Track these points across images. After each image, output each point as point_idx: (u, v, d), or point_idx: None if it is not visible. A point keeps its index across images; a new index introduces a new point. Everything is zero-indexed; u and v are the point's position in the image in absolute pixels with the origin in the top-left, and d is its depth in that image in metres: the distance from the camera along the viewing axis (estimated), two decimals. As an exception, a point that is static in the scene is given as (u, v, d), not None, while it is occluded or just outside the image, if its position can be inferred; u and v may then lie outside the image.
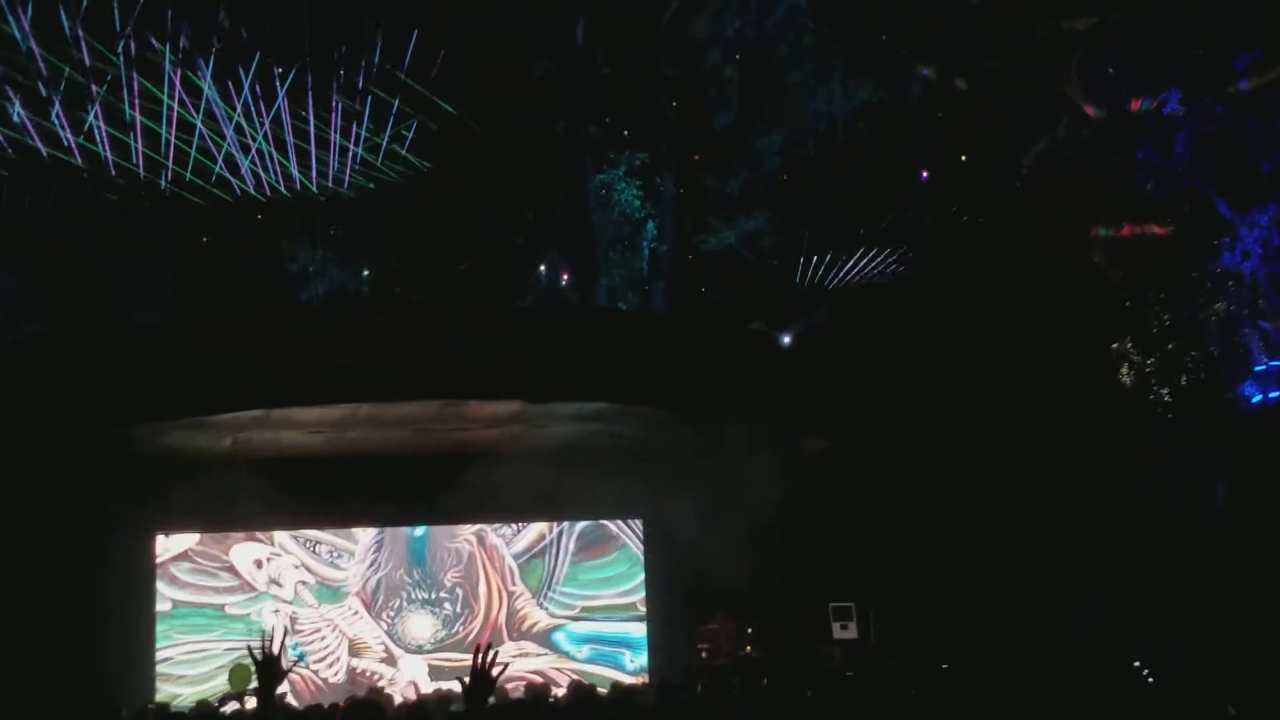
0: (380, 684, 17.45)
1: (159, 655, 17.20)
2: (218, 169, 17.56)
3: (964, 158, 20.07)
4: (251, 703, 9.86)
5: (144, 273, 17.04)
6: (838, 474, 16.56)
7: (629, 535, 18.71)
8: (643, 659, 18.25)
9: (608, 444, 17.17)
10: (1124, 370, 17.42)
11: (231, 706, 9.93)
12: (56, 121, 16.45)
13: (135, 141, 16.87)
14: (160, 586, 17.45)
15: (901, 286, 19.98)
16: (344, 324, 16.76)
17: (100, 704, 12.29)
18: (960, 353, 17.25)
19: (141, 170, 17.19)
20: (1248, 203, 17.21)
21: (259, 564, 17.94)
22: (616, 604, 18.71)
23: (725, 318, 21.03)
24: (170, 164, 17.22)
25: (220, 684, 16.62)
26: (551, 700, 10.75)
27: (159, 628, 17.29)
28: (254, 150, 17.52)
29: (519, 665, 17.49)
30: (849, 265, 19.98)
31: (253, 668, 8.99)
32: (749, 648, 16.98)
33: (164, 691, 16.69)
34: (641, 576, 18.69)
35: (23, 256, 17.09)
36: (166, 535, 17.52)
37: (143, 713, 11.20)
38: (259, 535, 17.88)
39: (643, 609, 18.66)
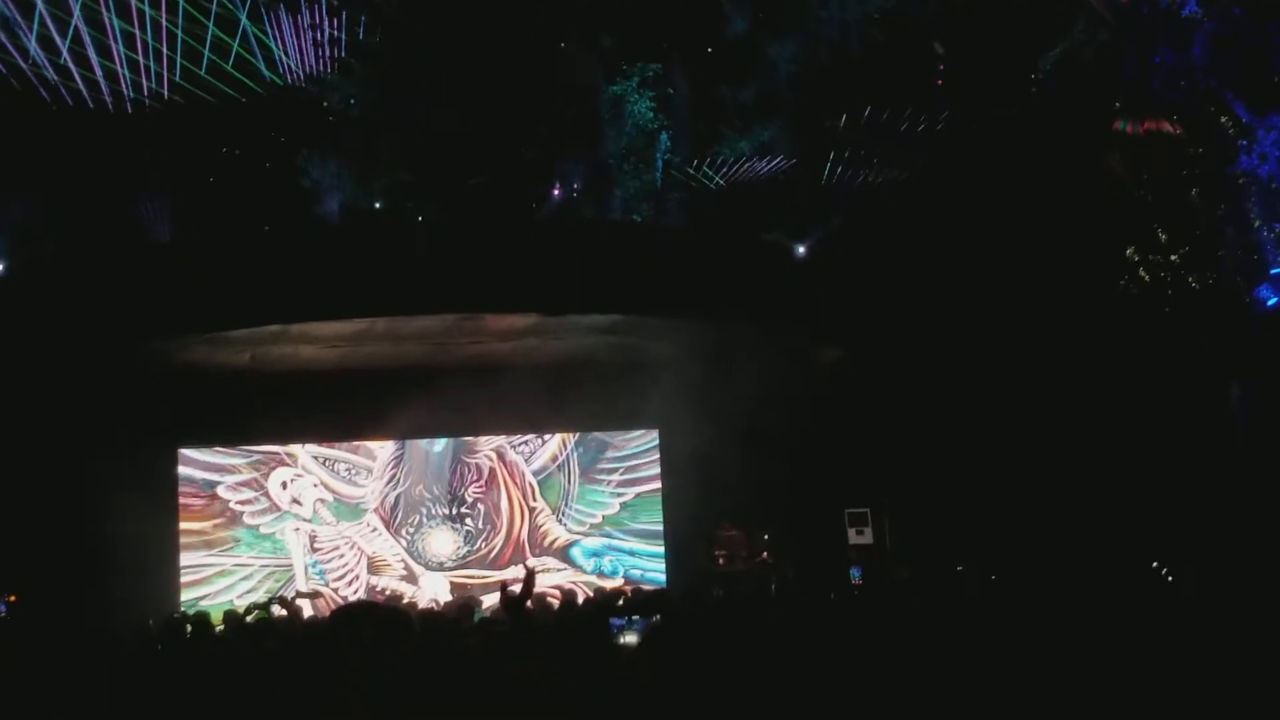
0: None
1: (182, 566, 17.48)
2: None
3: (981, 63, 19.86)
4: (276, 612, 10.02)
5: (158, 192, 17.02)
6: (852, 382, 16.59)
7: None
8: (660, 568, 18.39)
9: (623, 356, 17.24)
10: (1140, 274, 17.34)
11: (256, 616, 10.08)
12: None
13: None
14: (186, 501, 17.69)
15: (917, 194, 19.88)
16: (359, 238, 16.81)
17: (128, 614, 12.46)
18: (977, 259, 17.19)
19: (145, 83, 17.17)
20: (1266, 106, 17.04)
21: (283, 484, 18.12)
22: (634, 515, 18.89)
23: (739, 229, 20.97)
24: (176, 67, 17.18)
25: (242, 598, 16.89)
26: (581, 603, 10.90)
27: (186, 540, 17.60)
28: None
29: (541, 581, 17.69)
30: (864, 174, 19.86)
31: (242, 612, 9.15)
32: (765, 554, 17.14)
33: (188, 602, 16.94)
34: (658, 485, 18.85)
35: (36, 180, 17.07)
36: (188, 449, 17.76)
37: (169, 621, 11.38)
38: (279, 452, 18.06)
39: (659, 519, 18.81)
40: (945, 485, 16.62)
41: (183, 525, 17.66)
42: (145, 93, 17.29)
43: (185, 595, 17.17)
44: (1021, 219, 17.24)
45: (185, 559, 17.56)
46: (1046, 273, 16.78)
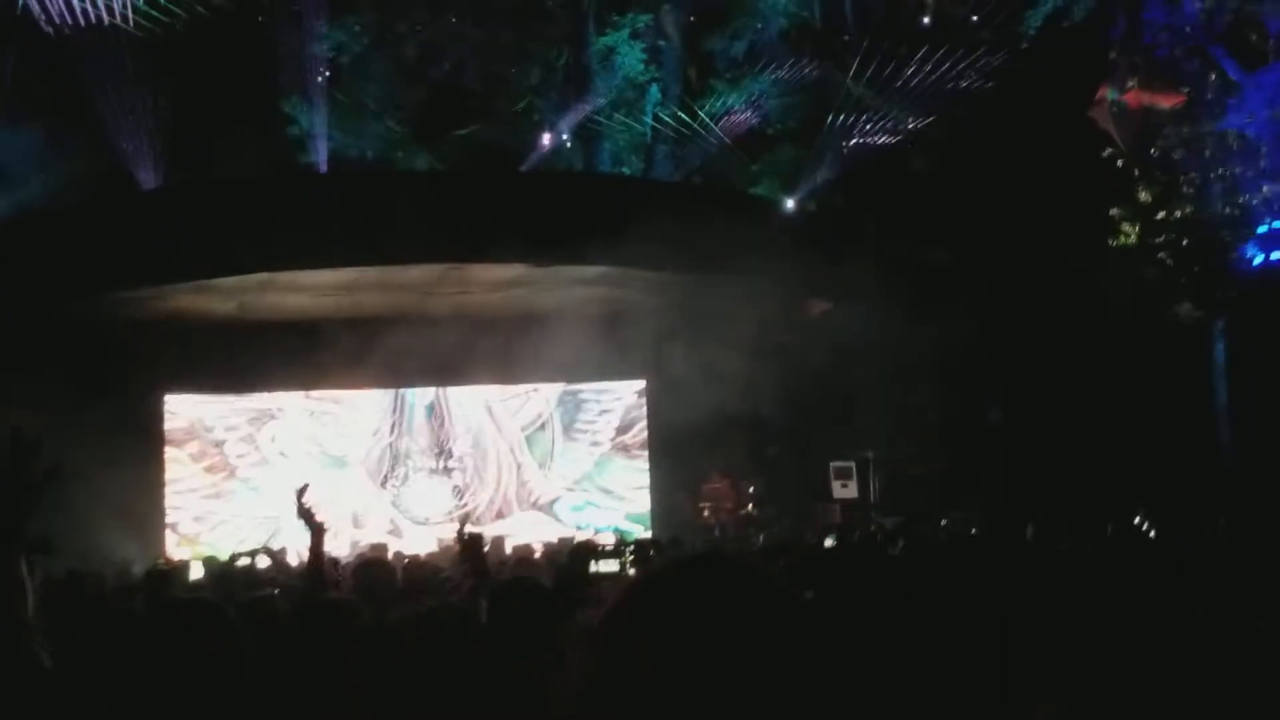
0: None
1: (168, 516, 17.49)
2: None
3: (972, 18, 19.83)
4: (261, 562, 10.03)
5: (142, 135, 16.99)
6: (839, 335, 16.63)
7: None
8: (646, 522, 18.40)
9: (610, 307, 17.24)
10: (1126, 230, 17.38)
11: (243, 563, 10.10)
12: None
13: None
14: (173, 451, 17.72)
15: (905, 147, 19.90)
16: (348, 188, 16.80)
17: (113, 561, 12.49)
18: (965, 212, 17.22)
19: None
20: (1255, 63, 17.04)
21: (272, 437, 18.10)
22: (617, 469, 18.96)
23: (727, 182, 20.99)
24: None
25: (225, 547, 16.92)
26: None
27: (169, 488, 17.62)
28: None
29: (527, 536, 17.63)
30: (854, 127, 19.86)
31: (229, 560, 9.10)
32: (750, 506, 17.22)
33: (173, 550, 16.93)
34: (644, 438, 18.92)
35: (32, 117, 17.03)
36: (175, 396, 17.77)
37: (154, 569, 11.39)
38: (264, 402, 18.06)
39: (646, 472, 18.87)
40: (930, 437, 16.71)
41: (173, 475, 17.68)
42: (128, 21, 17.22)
43: (176, 546, 17.14)
44: (1009, 174, 17.25)
45: (176, 510, 17.58)
46: (1034, 228, 16.81)
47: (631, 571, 4.02)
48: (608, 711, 1.62)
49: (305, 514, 5.33)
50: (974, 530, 11.41)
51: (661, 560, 1.81)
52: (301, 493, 5.37)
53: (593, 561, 3.97)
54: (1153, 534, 10.18)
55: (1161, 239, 17.40)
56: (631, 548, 4.11)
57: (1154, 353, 16.32)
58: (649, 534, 17.82)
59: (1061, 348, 16.54)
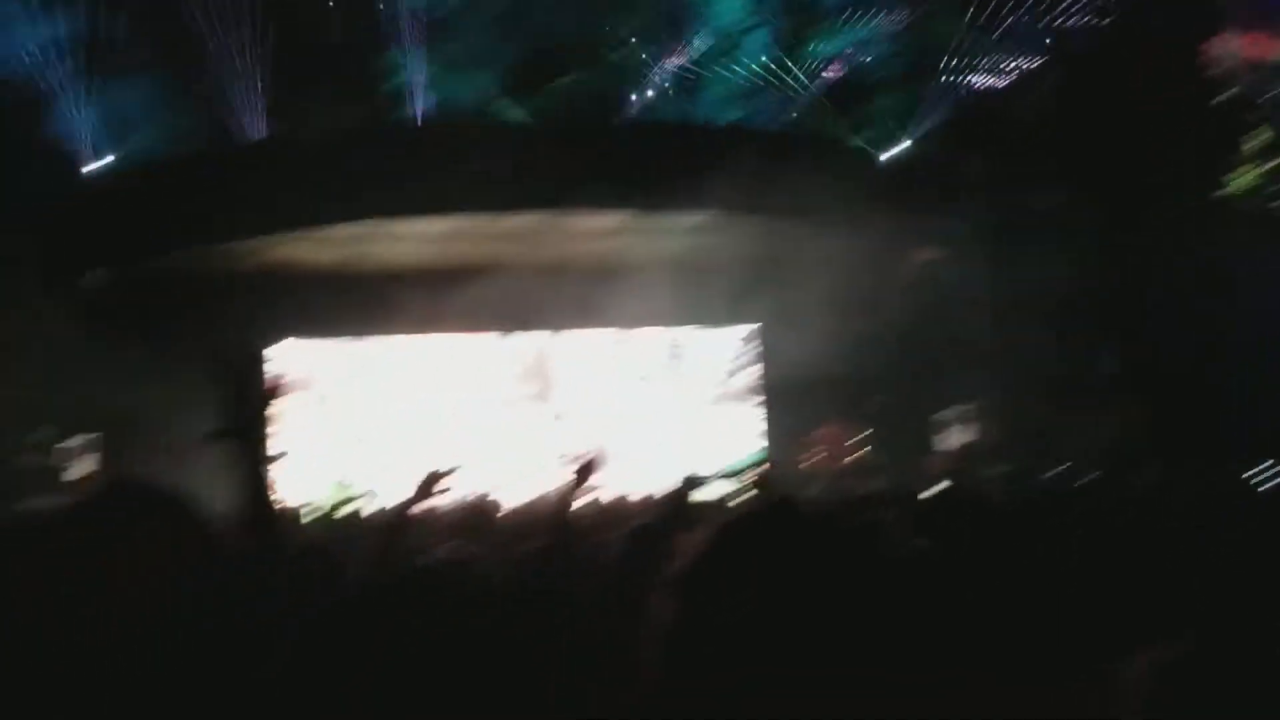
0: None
1: (277, 464, 17.72)
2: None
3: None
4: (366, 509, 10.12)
5: (247, 88, 17.15)
6: (945, 283, 16.41)
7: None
8: (759, 467, 18.39)
9: (715, 255, 17.16)
10: (1243, 174, 16.93)
11: (348, 510, 10.20)
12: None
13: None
14: (282, 401, 17.94)
15: (1011, 92, 19.52)
16: (448, 139, 16.83)
17: (224, 509, 12.64)
18: (1073, 158, 16.86)
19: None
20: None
21: (377, 385, 18.28)
22: (721, 418, 18.90)
23: (828, 130, 20.74)
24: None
25: (332, 495, 17.12)
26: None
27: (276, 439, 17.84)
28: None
29: (636, 482, 17.71)
30: (957, 72, 19.53)
31: (335, 507, 9.15)
32: (862, 452, 17.12)
33: (282, 498, 17.14)
34: (753, 385, 18.87)
35: (139, 70, 17.25)
36: (280, 346, 18.01)
37: (263, 516, 11.55)
38: (370, 351, 18.24)
39: (756, 419, 18.83)
40: (1041, 387, 16.44)
41: (284, 424, 17.91)
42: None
43: (285, 494, 17.34)
44: (1119, 117, 16.84)
45: (286, 458, 17.79)
46: (1146, 173, 16.41)
47: (741, 500, 3.98)
48: (691, 660, 1.59)
49: (424, 490, 5.23)
50: (1086, 479, 11.19)
51: (742, 509, 1.78)
52: (432, 480, 5.25)
53: (699, 490, 3.92)
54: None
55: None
56: (739, 476, 4.05)
57: (1271, 299, 15.89)
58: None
59: (1175, 294, 16.16)
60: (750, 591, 1.56)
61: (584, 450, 5.03)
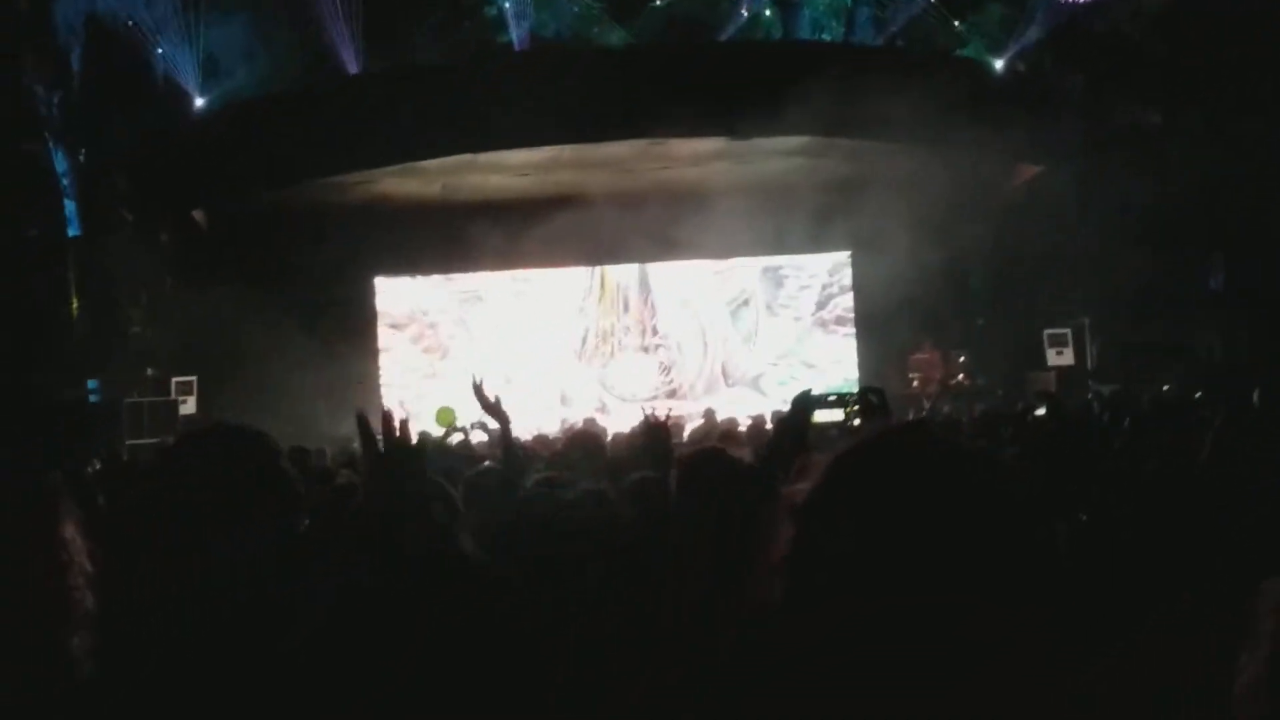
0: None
1: (386, 395, 17.98)
2: None
3: None
4: (476, 437, 10.21)
5: (344, 22, 17.19)
6: (1050, 200, 16.14)
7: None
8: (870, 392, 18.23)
9: (813, 178, 17.01)
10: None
11: (456, 438, 10.29)
12: None
13: None
14: (385, 330, 18.19)
15: (1118, 3, 18.97)
16: (545, 66, 16.80)
17: (334, 437, 12.83)
18: (1180, 70, 16.41)
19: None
20: None
21: (478, 318, 18.40)
22: (821, 343, 18.83)
23: (932, 45, 20.36)
24: None
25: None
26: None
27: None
28: None
29: (733, 411, 17.66)
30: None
31: (444, 436, 9.24)
32: (961, 376, 16.96)
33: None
34: (849, 310, 18.76)
35: (238, 8, 17.38)
36: (384, 278, 18.23)
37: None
38: (472, 283, 18.36)
39: (853, 345, 18.73)
40: (1149, 304, 16.14)
41: (392, 357, 18.18)
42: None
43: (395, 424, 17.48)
44: (1227, 29, 16.31)
45: (395, 389, 18.04)
46: (1254, 86, 15.91)
47: (856, 422, 3.93)
48: (814, 587, 1.59)
49: (490, 407, 5.32)
50: (1197, 395, 10.99)
51: (866, 434, 1.76)
52: (480, 388, 5.36)
53: (816, 411, 3.87)
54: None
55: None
56: (854, 397, 3.98)
57: None
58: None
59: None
60: (878, 518, 1.55)
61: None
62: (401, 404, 17.90)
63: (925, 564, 1.51)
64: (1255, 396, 9.32)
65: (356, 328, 17.76)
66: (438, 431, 10.40)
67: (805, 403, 3.86)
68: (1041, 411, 9.31)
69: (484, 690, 1.95)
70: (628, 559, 1.97)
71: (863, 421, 3.94)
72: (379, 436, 2.47)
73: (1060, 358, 16.73)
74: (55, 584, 1.94)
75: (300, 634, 2.06)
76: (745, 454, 5.66)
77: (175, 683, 2.01)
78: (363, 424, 2.48)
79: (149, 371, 16.09)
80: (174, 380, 15.83)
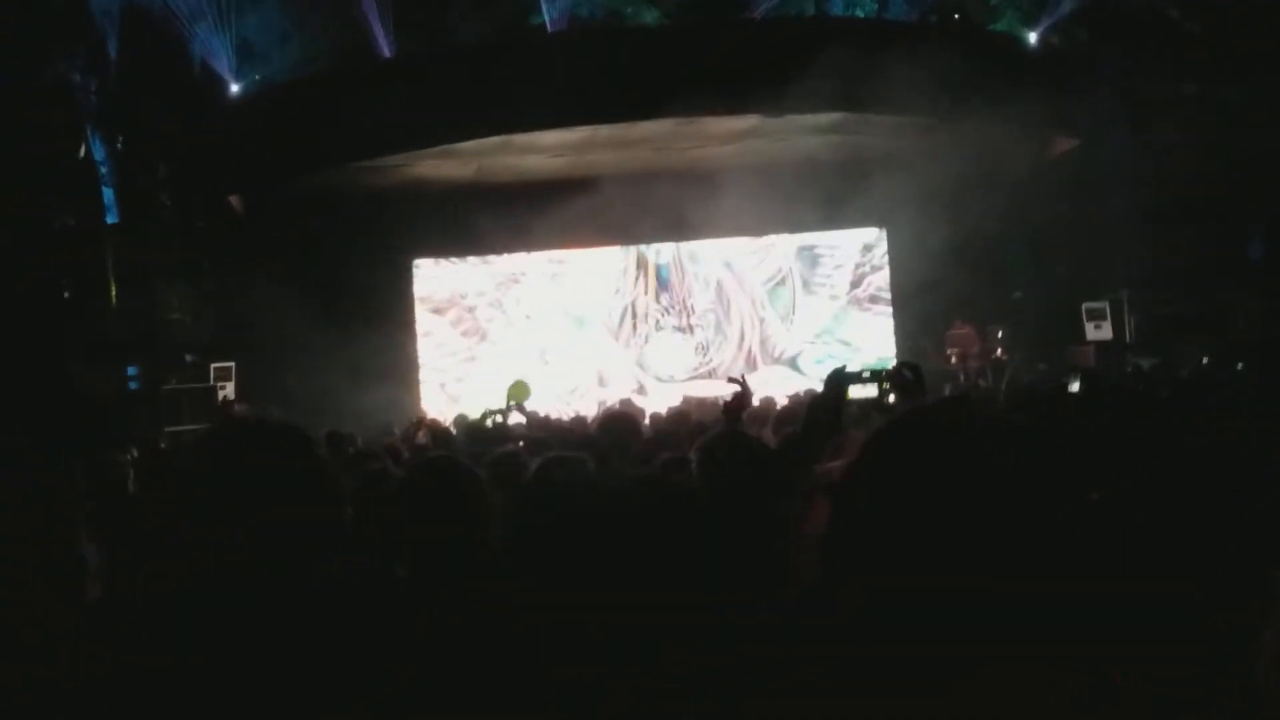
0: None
1: (426, 377, 18.07)
2: None
3: None
4: (513, 419, 10.24)
5: (378, 5, 17.20)
6: (1087, 173, 16.04)
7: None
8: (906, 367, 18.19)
9: (847, 155, 16.97)
10: None
11: (496, 420, 10.33)
12: None
13: None
14: (425, 314, 18.27)
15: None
16: (578, 46, 16.80)
17: (371, 422, 12.90)
18: (1218, 43, 16.26)
19: None
20: None
21: (517, 300, 18.46)
22: (857, 321, 18.81)
23: (966, 19, 20.23)
24: None
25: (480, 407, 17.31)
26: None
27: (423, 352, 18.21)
28: None
29: (771, 390, 17.61)
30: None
31: (481, 418, 9.27)
32: (999, 350, 16.91)
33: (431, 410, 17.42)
34: (885, 286, 18.73)
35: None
36: (423, 260, 18.31)
37: (412, 426, 11.80)
38: (510, 266, 18.42)
39: (889, 321, 18.70)
40: (1188, 277, 16.04)
41: (434, 340, 18.26)
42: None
43: (434, 406, 17.56)
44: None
45: (435, 372, 18.12)
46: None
47: (891, 399, 3.91)
48: (852, 563, 1.60)
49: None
50: (1239, 366, 10.93)
51: (903, 411, 1.76)
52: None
53: (850, 387, 3.86)
54: None
55: None
56: (888, 373, 3.97)
57: None
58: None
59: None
60: (915, 496, 1.55)
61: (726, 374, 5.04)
62: (443, 386, 18.07)
63: (961, 542, 1.51)
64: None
65: (395, 311, 17.85)
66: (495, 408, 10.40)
67: (839, 380, 3.86)
68: (1076, 386, 9.29)
69: (485, 682, 1.97)
70: (634, 545, 1.97)
71: (898, 398, 3.93)
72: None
73: (1099, 331, 16.64)
74: (57, 573, 1.95)
75: (321, 621, 2.07)
76: (766, 434, 5.67)
77: (192, 670, 2.02)
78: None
79: (187, 358, 16.18)
80: (213, 366, 15.90)
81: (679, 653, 1.84)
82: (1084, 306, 16.73)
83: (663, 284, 18.73)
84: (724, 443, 3.95)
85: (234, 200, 16.64)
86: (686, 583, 1.89)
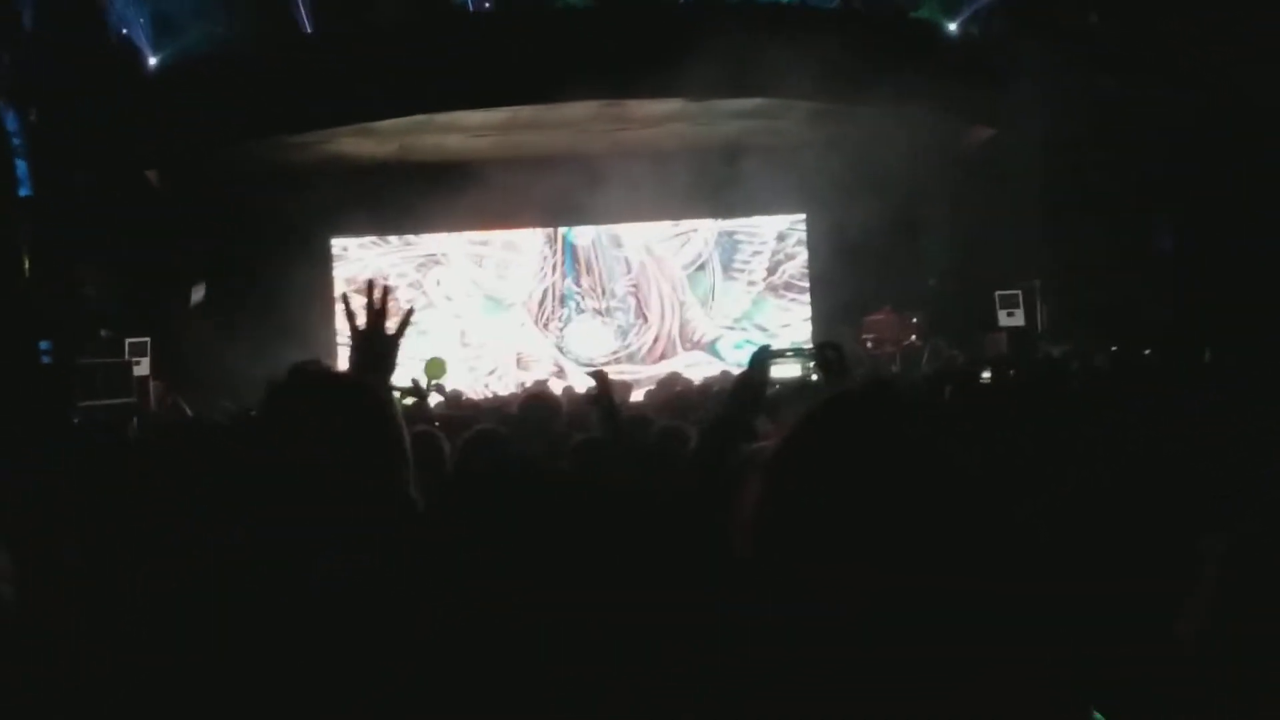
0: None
1: (344, 355, 17.92)
2: None
3: None
4: (432, 399, 10.25)
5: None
6: (1004, 163, 16.24)
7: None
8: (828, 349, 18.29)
9: (769, 141, 17.06)
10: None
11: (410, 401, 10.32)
12: None
13: None
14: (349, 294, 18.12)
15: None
16: (502, 26, 16.74)
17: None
18: (1136, 36, 16.49)
19: None
20: None
21: (437, 281, 18.38)
22: (775, 307, 18.92)
23: (888, 6, 20.35)
24: None
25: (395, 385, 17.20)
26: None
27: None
28: None
29: (690, 375, 17.67)
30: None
31: (399, 398, 9.24)
32: (914, 337, 17.08)
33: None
34: (804, 272, 18.85)
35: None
36: (342, 239, 18.18)
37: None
38: (430, 247, 18.34)
39: (807, 307, 18.82)
40: (1100, 267, 16.29)
41: (341, 322, 18.12)
42: None
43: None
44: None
45: (348, 351, 17.95)
46: (1209, 52, 16.01)
47: (814, 378, 3.94)
48: (780, 545, 1.63)
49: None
50: (1147, 353, 11.16)
51: (831, 393, 1.79)
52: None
53: (774, 364, 3.89)
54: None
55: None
56: (811, 352, 4.00)
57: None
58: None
59: (1235, 173, 15.86)
60: (842, 477, 1.58)
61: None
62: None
63: (888, 524, 1.55)
64: (1206, 355, 9.48)
65: (315, 289, 17.68)
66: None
67: (763, 358, 3.90)
68: (988, 375, 9.44)
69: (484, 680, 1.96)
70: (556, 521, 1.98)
71: (821, 378, 3.97)
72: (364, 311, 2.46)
73: (1011, 319, 16.89)
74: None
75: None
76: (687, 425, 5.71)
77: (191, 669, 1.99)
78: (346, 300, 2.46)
79: (102, 333, 15.96)
80: (128, 341, 15.68)
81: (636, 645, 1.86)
82: (997, 294, 16.97)
83: (584, 267, 18.72)
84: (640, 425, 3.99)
85: (151, 174, 16.42)
86: (627, 570, 1.91)
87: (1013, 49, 16.99)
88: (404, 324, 3.00)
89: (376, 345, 2.77)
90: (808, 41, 13.73)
